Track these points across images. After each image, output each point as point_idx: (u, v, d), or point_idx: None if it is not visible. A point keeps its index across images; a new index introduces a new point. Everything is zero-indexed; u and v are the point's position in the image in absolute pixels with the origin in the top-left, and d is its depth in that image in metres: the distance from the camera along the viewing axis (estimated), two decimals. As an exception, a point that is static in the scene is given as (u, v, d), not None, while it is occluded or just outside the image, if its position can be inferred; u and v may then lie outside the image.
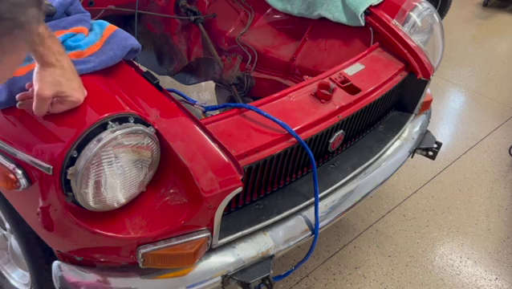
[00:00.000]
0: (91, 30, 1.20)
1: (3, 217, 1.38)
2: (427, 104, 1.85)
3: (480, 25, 4.79)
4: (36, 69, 0.97)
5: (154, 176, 1.10)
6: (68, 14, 1.22)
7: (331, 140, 1.44)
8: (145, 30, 2.40)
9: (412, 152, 1.76)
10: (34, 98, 0.96)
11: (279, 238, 1.31)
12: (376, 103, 1.59)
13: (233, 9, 2.28)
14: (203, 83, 2.98)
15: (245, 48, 2.14)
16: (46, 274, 1.30)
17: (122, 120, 1.00)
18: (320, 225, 1.37)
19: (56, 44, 0.98)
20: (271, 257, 1.28)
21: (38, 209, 1.07)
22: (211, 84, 2.59)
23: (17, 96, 1.01)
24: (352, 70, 1.57)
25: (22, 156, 1.01)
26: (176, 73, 2.48)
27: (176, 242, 1.11)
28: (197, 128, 1.12)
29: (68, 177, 0.97)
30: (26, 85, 1.01)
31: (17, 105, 1.01)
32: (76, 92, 0.99)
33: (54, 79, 0.96)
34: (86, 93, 1.02)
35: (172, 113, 1.12)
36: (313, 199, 1.36)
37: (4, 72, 0.62)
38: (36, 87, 0.95)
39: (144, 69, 1.23)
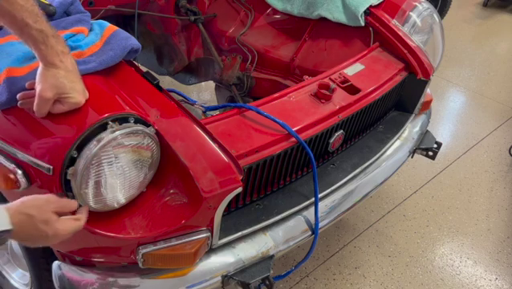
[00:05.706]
0: (91, 30, 1.20)
1: (3, 218, 1.37)
2: (427, 104, 1.85)
3: (480, 25, 4.79)
4: (40, 69, 0.97)
5: (154, 176, 1.10)
6: (68, 14, 1.22)
7: (331, 140, 1.44)
8: (145, 30, 2.40)
9: (412, 153, 1.76)
10: (36, 98, 0.96)
11: (279, 238, 1.31)
12: (376, 104, 1.59)
13: (233, 9, 2.28)
14: (203, 83, 2.98)
15: (245, 48, 2.14)
16: (46, 274, 1.30)
17: (122, 121, 1.00)
18: (320, 225, 1.37)
19: (60, 44, 0.98)
20: (271, 257, 1.28)
21: (38, 209, 1.07)
22: (211, 84, 2.59)
23: (18, 95, 1.00)
24: (352, 70, 1.57)
25: (22, 156, 1.01)
26: (176, 73, 2.48)
27: (176, 242, 1.11)
28: (197, 128, 1.12)
29: (68, 177, 0.97)
30: (27, 84, 1.01)
31: (18, 104, 1.01)
32: (78, 94, 0.99)
33: (57, 80, 0.96)
34: (88, 96, 1.02)
35: (172, 113, 1.12)
36: (313, 199, 1.36)
37: None
38: (38, 87, 0.95)
39: (144, 69, 1.23)
